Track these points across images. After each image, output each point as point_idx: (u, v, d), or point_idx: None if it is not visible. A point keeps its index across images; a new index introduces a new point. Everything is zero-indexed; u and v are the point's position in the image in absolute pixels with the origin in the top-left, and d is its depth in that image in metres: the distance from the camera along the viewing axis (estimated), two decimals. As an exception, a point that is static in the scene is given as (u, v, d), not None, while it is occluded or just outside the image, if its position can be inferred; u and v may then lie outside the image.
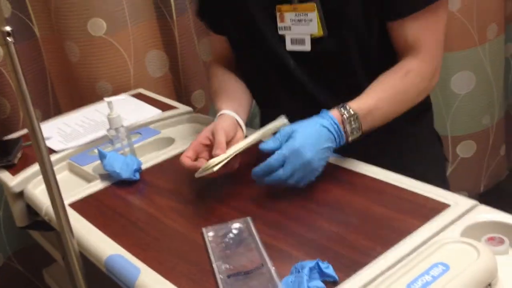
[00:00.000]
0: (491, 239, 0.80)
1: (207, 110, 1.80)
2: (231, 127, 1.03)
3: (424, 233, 0.81)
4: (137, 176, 1.11)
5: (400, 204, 0.89)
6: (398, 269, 0.73)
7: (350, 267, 0.77)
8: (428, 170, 1.12)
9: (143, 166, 1.14)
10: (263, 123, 1.10)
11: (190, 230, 0.93)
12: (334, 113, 0.96)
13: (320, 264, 0.76)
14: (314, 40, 1.05)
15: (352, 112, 0.95)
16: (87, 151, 1.27)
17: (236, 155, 0.99)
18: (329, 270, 0.76)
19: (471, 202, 0.86)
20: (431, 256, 0.72)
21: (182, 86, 1.73)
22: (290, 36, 1.07)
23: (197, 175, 0.97)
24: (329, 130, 0.94)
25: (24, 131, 1.42)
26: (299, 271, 0.76)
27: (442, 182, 1.06)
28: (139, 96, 1.54)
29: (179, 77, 1.72)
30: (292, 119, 1.00)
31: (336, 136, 0.94)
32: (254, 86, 1.19)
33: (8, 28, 0.74)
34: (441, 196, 0.89)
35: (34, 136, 0.80)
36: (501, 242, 0.79)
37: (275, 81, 1.13)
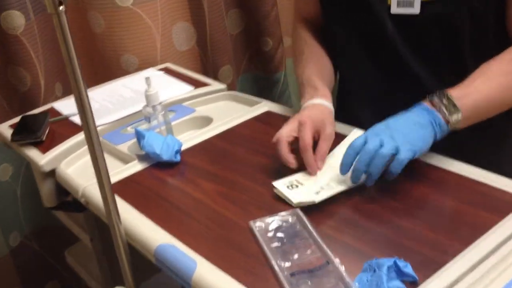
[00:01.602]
0: None
1: (234, 87, 1.72)
2: (331, 122, 0.97)
3: (505, 230, 0.75)
4: (178, 157, 1.04)
5: (475, 198, 0.83)
6: (487, 271, 0.67)
7: (427, 266, 0.71)
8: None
9: (182, 147, 1.07)
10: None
11: (241, 218, 0.86)
12: (423, 101, 0.89)
13: (398, 262, 0.70)
14: (423, 3, 0.96)
15: (442, 93, 0.87)
16: (119, 129, 1.20)
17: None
18: (408, 269, 0.70)
19: (551, 196, 0.80)
20: (522, 258, 0.67)
21: (209, 61, 1.66)
22: None
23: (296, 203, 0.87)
24: (413, 112, 0.87)
25: (48, 106, 1.35)
26: (374, 270, 0.70)
27: None
28: (168, 71, 1.47)
29: (206, 51, 1.65)
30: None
31: (426, 117, 0.86)
32: (339, 56, 1.12)
33: (60, -4, 0.66)
34: (517, 189, 0.83)
35: (84, 115, 0.73)
36: None
37: (367, 51, 1.06)
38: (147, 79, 1.09)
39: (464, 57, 0.98)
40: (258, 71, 1.80)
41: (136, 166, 1.04)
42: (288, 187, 0.89)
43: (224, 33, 1.66)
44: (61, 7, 0.68)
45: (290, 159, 0.92)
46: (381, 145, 0.83)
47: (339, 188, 0.88)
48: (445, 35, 0.97)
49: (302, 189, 0.89)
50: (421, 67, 1.01)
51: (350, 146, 0.86)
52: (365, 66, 1.07)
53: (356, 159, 0.85)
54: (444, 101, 0.87)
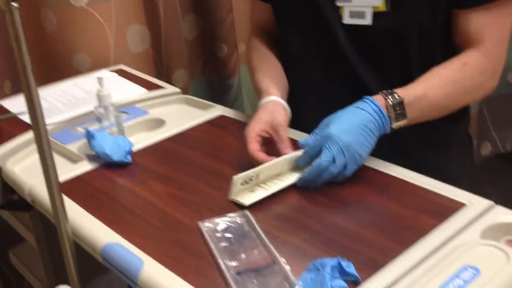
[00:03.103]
0: (510, 241, 0.78)
1: (187, 91, 1.73)
2: (287, 120, 1.00)
3: (444, 233, 0.78)
4: (129, 158, 1.04)
5: (416, 202, 0.86)
6: (425, 271, 0.70)
7: (369, 266, 0.74)
8: (457, 172, 1.09)
9: (133, 148, 1.07)
10: (291, 109, 1.06)
11: (191, 219, 0.87)
12: (377, 97, 0.91)
13: (341, 262, 0.72)
14: (375, 15, 0.99)
15: (397, 97, 0.91)
16: (69, 129, 1.19)
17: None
18: (351, 269, 0.72)
19: (487, 202, 0.84)
20: (459, 258, 0.70)
21: (163, 64, 1.66)
22: (350, 9, 1.01)
23: (232, 197, 0.90)
24: (369, 112, 0.89)
25: (-4, 103, 1.32)
26: (318, 269, 0.72)
27: (470, 185, 1.02)
28: (121, 73, 1.46)
29: (161, 54, 1.65)
30: (330, 104, 0.95)
31: (377, 119, 0.89)
32: (292, 64, 1.14)
33: (14, -9, 0.66)
34: (457, 195, 0.86)
35: (34, 113, 0.72)
36: (521, 245, 0.77)
37: (319, 60, 1.08)
38: (100, 79, 1.08)
39: (413, 69, 1.01)
40: (212, 76, 1.81)
41: (85, 166, 1.04)
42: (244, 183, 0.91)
43: (180, 37, 1.66)
44: (14, 4, 0.67)
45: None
46: (333, 161, 0.87)
47: (276, 187, 0.91)
48: (395, 47, 1.01)
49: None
50: (372, 78, 1.04)
51: (305, 153, 0.91)
52: (317, 75, 1.10)
53: (308, 171, 0.89)
54: (397, 108, 0.90)
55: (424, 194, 0.88)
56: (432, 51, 1.01)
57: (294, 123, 1.12)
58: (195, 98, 1.31)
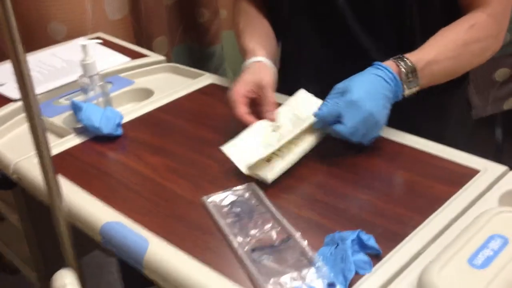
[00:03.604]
0: (529, 207, 0.76)
1: (169, 59, 1.65)
2: (274, 81, 0.96)
3: (461, 201, 0.75)
4: (119, 131, 0.98)
5: (430, 171, 0.83)
6: (450, 242, 0.66)
7: (389, 238, 0.70)
8: (458, 136, 1.06)
9: (123, 120, 1.01)
10: (284, 75, 1.00)
11: (192, 193, 0.82)
12: (390, 64, 0.87)
13: (361, 235, 0.68)
14: None
15: (410, 64, 0.87)
16: (51, 101, 1.12)
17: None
18: (371, 242, 0.68)
19: (501, 167, 0.81)
20: (484, 227, 0.66)
21: (143, 31, 1.58)
22: None
23: (248, 171, 0.84)
24: (386, 80, 0.85)
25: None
26: (337, 244, 0.68)
27: (470, 148, 1.00)
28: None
29: (140, 21, 1.56)
30: (326, 68, 0.90)
31: (393, 86, 0.85)
32: (285, 30, 1.08)
33: None
34: (470, 161, 0.83)
35: (24, 87, 0.65)
36: (541, 211, 0.75)
37: (315, 23, 1.02)
38: (84, 47, 1.01)
39: (412, 32, 0.98)
40: (193, 43, 1.74)
41: (73, 140, 0.97)
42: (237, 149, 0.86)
43: (159, 2, 1.58)
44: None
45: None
46: (354, 131, 0.84)
47: (291, 157, 0.85)
48: (395, 9, 0.96)
49: (250, 151, 0.85)
50: (370, 41, 1.00)
51: (322, 119, 0.87)
52: (313, 39, 1.05)
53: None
54: (410, 75, 0.86)
55: (436, 162, 0.85)
56: (432, 16, 0.97)
57: (289, 88, 1.08)
58: (182, 66, 1.25)
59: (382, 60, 1.00)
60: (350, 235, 0.68)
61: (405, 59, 0.87)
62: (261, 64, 0.97)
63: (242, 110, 0.91)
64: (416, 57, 0.88)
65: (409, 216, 0.74)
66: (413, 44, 0.96)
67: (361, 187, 0.81)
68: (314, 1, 1.00)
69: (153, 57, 1.28)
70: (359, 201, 0.78)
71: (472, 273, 0.60)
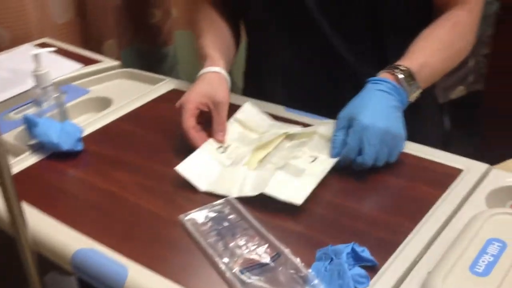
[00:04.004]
0: (516, 205, 0.75)
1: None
2: (229, 97, 0.91)
3: (449, 203, 0.74)
4: (81, 146, 0.91)
5: (413, 172, 0.81)
6: (449, 250, 0.64)
7: (381, 248, 0.67)
8: (429, 136, 1.04)
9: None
10: (251, 76, 0.95)
11: (168, 211, 0.77)
12: (385, 75, 0.84)
13: (355, 248, 0.65)
14: None
15: (404, 69, 0.84)
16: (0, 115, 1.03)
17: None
18: (366, 254, 0.65)
19: (483, 166, 0.80)
20: (480, 232, 0.65)
21: (92, 35, 1.50)
22: None
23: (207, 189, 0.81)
24: (387, 92, 0.81)
25: None
26: (331, 258, 0.65)
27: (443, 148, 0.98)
28: (46, 47, 1.29)
29: (88, 24, 1.48)
30: (298, 72, 0.85)
31: (397, 95, 0.82)
32: (254, 30, 1.05)
33: None
34: (451, 160, 0.82)
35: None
36: (528, 208, 0.74)
37: (286, 26, 0.98)
38: (36, 56, 0.93)
39: (384, 35, 0.96)
40: (143, 45, 1.67)
41: (29, 159, 0.90)
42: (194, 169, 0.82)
43: (106, 3, 1.50)
44: None
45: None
46: (376, 157, 0.79)
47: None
48: (366, 12, 0.94)
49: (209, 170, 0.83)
50: (341, 43, 0.97)
51: (346, 157, 0.80)
52: (281, 40, 1.01)
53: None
54: (409, 80, 0.83)
55: (418, 162, 0.83)
56: (404, 16, 0.95)
57: (259, 93, 1.04)
58: (139, 71, 1.19)
59: (353, 61, 0.98)
60: (344, 249, 0.65)
61: (399, 66, 0.84)
62: (219, 76, 0.92)
63: (190, 123, 0.86)
64: (408, 62, 0.85)
65: (399, 223, 0.72)
66: (384, 42, 0.94)
67: (344, 195, 0.78)
68: (285, 3, 0.97)
69: (107, 62, 1.21)
70: (345, 209, 0.75)
71: (475, 281, 0.59)
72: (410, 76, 0.84)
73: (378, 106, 0.80)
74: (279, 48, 1.02)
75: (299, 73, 1.02)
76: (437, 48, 0.89)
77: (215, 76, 0.92)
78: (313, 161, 0.81)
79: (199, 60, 0.99)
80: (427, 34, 0.90)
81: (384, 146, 0.78)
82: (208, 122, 0.89)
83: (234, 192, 0.78)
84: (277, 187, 0.76)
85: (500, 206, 0.74)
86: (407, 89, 0.83)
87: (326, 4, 0.94)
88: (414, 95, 0.85)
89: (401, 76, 0.83)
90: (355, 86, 0.86)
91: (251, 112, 0.94)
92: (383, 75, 0.84)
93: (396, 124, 0.80)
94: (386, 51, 0.96)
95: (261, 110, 0.95)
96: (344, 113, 0.82)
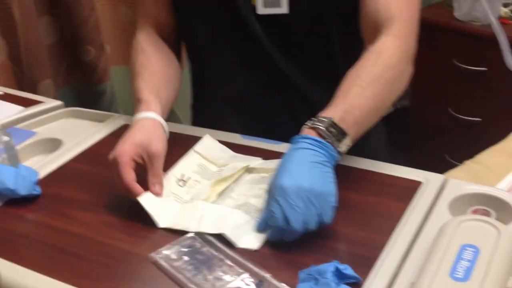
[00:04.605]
0: (475, 211, 0.79)
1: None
2: (165, 146, 0.86)
3: (416, 215, 0.77)
4: (38, 189, 0.88)
5: (374, 188, 0.84)
6: (427, 259, 0.67)
7: (360, 264, 0.69)
8: (380, 152, 1.06)
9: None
10: (200, 105, 0.94)
11: (142, 247, 0.76)
12: (306, 131, 0.78)
13: (338, 266, 0.67)
14: (291, 2, 0.92)
15: (325, 120, 0.77)
16: None
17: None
18: (349, 271, 0.66)
19: (440, 176, 0.84)
20: (452, 240, 0.68)
21: (26, 76, 1.45)
22: None
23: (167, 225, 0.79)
24: (307, 149, 0.75)
25: None
26: (315, 278, 0.66)
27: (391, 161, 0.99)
28: (-19, 91, 1.24)
29: (21, 65, 1.44)
30: (250, 98, 0.85)
31: (320, 149, 0.75)
32: (203, 61, 1.04)
33: None
34: (410, 174, 0.86)
35: None
36: (487, 213, 0.78)
37: (235, 54, 0.99)
38: (-18, 100, 0.90)
39: (334, 56, 0.98)
40: (79, 84, 1.63)
41: (-18, 208, 0.86)
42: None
43: (40, 43, 1.47)
44: None
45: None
46: (306, 221, 0.72)
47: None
48: (315, 34, 0.96)
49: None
50: (291, 67, 0.99)
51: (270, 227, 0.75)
52: (233, 69, 1.02)
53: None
54: (332, 129, 0.77)
55: (378, 178, 0.86)
56: (354, 39, 0.96)
57: (211, 124, 1.04)
58: (84, 109, 1.16)
59: (304, 86, 1.00)
60: (328, 267, 0.66)
61: (319, 118, 0.78)
62: (154, 124, 0.88)
63: (130, 176, 0.81)
64: (331, 111, 0.79)
65: (371, 238, 0.74)
66: (336, 68, 0.97)
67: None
68: (232, 31, 0.98)
69: (49, 102, 1.18)
70: (318, 229, 0.76)
71: (458, 287, 0.61)
72: (332, 126, 0.77)
73: (299, 166, 0.73)
74: (231, 76, 1.03)
75: (252, 100, 1.03)
76: (363, 86, 0.81)
77: (150, 124, 0.87)
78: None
79: (135, 103, 0.94)
80: (351, 74, 0.84)
81: (311, 206, 0.71)
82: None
83: (192, 227, 0.77)
84: (236, 232, 0.75)
85: (462, 213, 0.78)
86: (331, 140, 0.76)
87: (275, 33, 0.96)
88: (343, 144, 0.78)
89: (322, 128, 0.76)
90: (310, 110, 0.86)
91: (210, 144, 0.95)
92: (304, 131, 0.78)
93: (321, 180, 0.73)
94: (338, 72, 0.98)
95: (219, 141, 0.95)
96: (270, 182, 0.76)
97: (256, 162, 0.90)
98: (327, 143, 0.76)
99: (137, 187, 0.81)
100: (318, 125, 0.77)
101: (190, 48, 1.08)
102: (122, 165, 0.81)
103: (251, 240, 0.75)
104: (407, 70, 0.88)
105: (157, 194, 0.82)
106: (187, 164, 0.89)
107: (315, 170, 0.74)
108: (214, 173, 0.89)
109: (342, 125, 0.78)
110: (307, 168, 0.73)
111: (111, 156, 0.83)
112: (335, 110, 0.80)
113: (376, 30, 0.88)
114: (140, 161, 0.83)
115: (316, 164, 0.74)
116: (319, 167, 0.74)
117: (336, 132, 0.77)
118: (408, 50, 0.89)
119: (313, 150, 0.75)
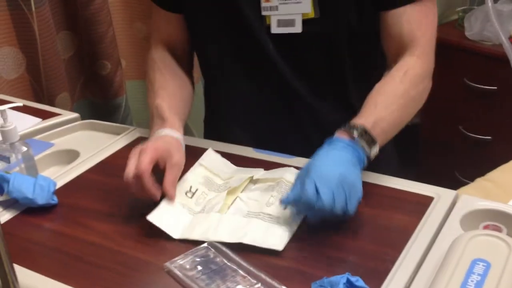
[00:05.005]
0: (486, 227, 0.80)
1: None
2: (183, 163, 0.90)
3: (428, 230, 0.78)
4: (55, 199, 0.90)
5: (387, 203, 0.85)
6: (439, 272, 0.67)
7: (373, 277, 0.70)
8: (387, 167, 1.07)
9: (54, 186, 0.93)
10: (212, 122, 0.95)
11: (157, 257, 0.77)
12: (340, 134, 0.83)
13: (350, 278, 0.68)
14: (304, 22, 0.94)
15: (359, 126, 0.83)
16: (-39, 174, 1.00)
17: None
18: (361, 283, 0.67)
19: (452, 192, 0.85)
20: (464, 254, 0.69)
21: (43, 89, 1.48)
22: (277, 17, 0.94)
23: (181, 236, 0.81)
24: (344, 150, 0.81)
25: None
26: (328, 290, 0.67)
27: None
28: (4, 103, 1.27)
29: (39, 78, 1.47)
30: (260, 116, 0.87)
31: (352, 151, 0.81)
32: (215, 78, 1.06)
33: None
34: (421, 189, 0.87)
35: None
36: (498, 229, 0.79)
37: (247, 71, 1.01)
38: (3, 112, 0.92)
39: (345, 76, 1.00)
40: (95, 97, 1.66)
41: (1, 216, 0.87)
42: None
43: (57, 58, 1.50)
44: None
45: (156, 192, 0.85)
46: (333, 199, 0.75)
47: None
48: (326, 53, 0.98)
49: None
50: (302, 85, 1.00)
51: (304, 202, 0.77)
52: (245, 86, 1.04)
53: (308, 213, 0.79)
54: (364, 136, 0.83)
55: (391, 193, 0.87)
56: (366, 59, 0.99)
57: (222, 137, 1.06)
58: (100, 122, 1.19)
59: (315, 104, 1.01)
60: (340, 279, 0.67)
61: (352, 124, 0.84)
62: (177, 142, 0.91)
63: (148, 167, 0.83)
64: (362, 119, 0.85)
65: (383, 251, 0.75)
66: (346, 88, 0.98)
67: (326, 228, 0.80)
68: (244, 49, 1.00)
69: (66, 115, 1.21)
70: (330, 242, 0.78)
71: (469, 300, 0.62)
72: (365, 133, 0.83)
73: (335, 159, 0.80)
74: (242, 95, 1.05)
75: (263, 119, 1.04)
76: (390, 101, 0.89)
77: (173, 141, 0.90)
78: (285, 208, 0.81)
79: (154, 118, 0.97)
80: (379, 87, 0.90)
81: (340, 189, 0.76)
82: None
83: (210, 236, 0.79)
84: (256, 236, 0.77)
85: (474, 228, 0.78)
86: (363, 145, 0.82)
87: (287, 52, 0.98)
88: (373, 151, 0.84)
89: (355, 133, 0.82)
90: (320, 129, 0.89)
91: (214, 157, 0.96)
92: (338, 134, 0.84)
93: (353, 173, 0.79)
94: (348, 92, 1.00)
95: (223, 155, 0.97)
96: (302, 169, 0.81)
97: (259, 173, 0.92)
98: (360, 147, 0.82)
99: (156, 191, 0.84)
100: (352, 131, 0.83)
101: (202, 65, 1.10)
102: (146, 155, 0.83)
103: (277, 240, 0.77)
104: (428, 87, 0.96)
105: (170, 200, 0.85)
106: (193, 176, 0.91)
107: (349, 165, 0.79)
108: (220, 186, 0.91)
109: (373, 133, 0.84)
110: (342, 162, 0.79)
111: (137, 148, 0.86)
112: (365, 119, 0.85)
113: (400, 51, 0.94)
114: (161, 165, 0.86)
115: (349, 161, 0.80)
116: (351, 164, 0.80)
117: (368, 138, 0.83)
118: (429, 69, 0.96)
119: (347, 151, 0.81)
